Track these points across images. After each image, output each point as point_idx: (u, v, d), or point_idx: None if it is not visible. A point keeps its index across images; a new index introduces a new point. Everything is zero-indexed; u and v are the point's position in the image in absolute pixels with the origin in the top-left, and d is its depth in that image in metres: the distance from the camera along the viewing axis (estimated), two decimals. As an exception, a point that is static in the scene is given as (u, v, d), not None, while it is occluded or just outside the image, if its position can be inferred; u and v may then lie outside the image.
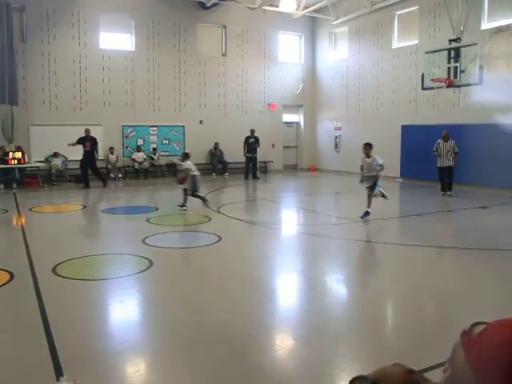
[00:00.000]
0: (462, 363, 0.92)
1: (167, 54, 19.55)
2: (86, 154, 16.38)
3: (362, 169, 10.60)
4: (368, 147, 10.45)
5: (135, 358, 4.35)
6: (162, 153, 19.78)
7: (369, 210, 10.29)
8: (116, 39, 19.10)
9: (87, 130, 16.42)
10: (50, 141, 17.47)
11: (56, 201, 14.77)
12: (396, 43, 18.29)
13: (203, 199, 11.89)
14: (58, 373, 3.81)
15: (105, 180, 16.82)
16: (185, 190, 11.68)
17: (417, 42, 17.08)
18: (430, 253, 8.01)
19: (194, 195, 11.71)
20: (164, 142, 19.99)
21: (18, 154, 16.38)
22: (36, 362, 4.06)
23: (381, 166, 10.22)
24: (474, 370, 0.89)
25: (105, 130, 18.60)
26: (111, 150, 18.56)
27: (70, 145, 16.43)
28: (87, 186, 16.17)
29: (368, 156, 10.36)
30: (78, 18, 18.16)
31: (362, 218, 10.21)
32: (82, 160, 16.49)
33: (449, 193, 13.49)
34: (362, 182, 10.67)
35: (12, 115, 17.10)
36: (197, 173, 11.77)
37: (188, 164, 11.76)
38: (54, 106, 17.94)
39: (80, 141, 16.25)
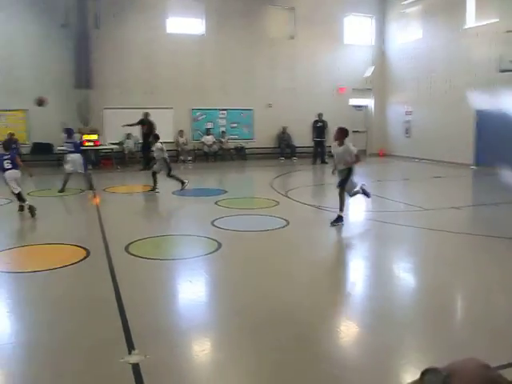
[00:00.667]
0: None
1: (236, 37, 19.60)
2: (143, 136, 16.82)
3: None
4: (340, 133, 8.48)
5: (202, 337, 4.48)
6: (231, 136, 19.98)
7: (341, 214, 8.37)
8: (186, 23, 19.37)
9: (145, 114, 16.77)
10: (123, 123, 18.05)
11: (129, 182, 15.28)
12: (472, 22, 17.41)
13: (182, 181, 11.97)
14: (130, 347, 3.98)
15: (147, 165, 16.69)
16: (154, 174, 11.94)
17: (497, 20, 16.16)
18: (507, 245, 7.67)
19: (170, 176, 11.93)
20: (232, 125, 20.17)
21: (94, 137, 17.07)
22: (109, 336, 4.26)
23: (356, 156, 8.35)
24: None
25: (175, 113, 19.01)
26: (181, 132, 18.95)
27: (124, 126, 16.89)
28: (144, 168, 16.24)
29: (340, 144, 8.41)
30: (147, 3, 18.56)
31: (332, 224, 8.30)
32: (142, 143, 17.04)
33: None
34: (333, 173, 8.85)
35: (87, 99, 17.81)
36: (167, 155, 12.02)
37: (159, 146, 11.88)
38: (126, 90, 18.47)
39: (140, 123, 16.72)
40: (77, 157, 11.88)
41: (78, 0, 17.37)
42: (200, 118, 19.72)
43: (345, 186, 8.41)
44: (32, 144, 17.95)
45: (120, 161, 17.62)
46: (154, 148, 12.07)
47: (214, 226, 8.34)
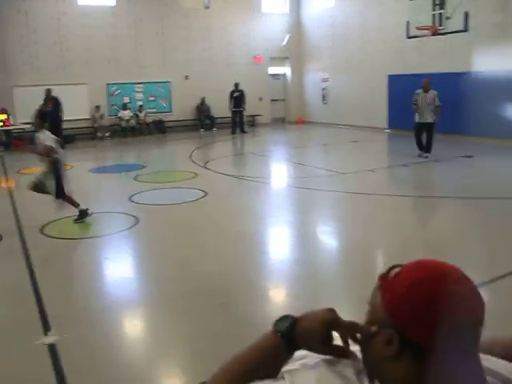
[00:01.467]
0: (379, 306, 0.97)
1: (149, 7, 19.06)
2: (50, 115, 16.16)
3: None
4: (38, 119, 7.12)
5: (124, 314, 4.47)
6: (149, 110, 19.56)
7: (80, 207, 7.08)
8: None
9: (47, 90, 16.04)
10: (36, 102, 17.20)
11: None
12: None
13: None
14: (47, 328, 3.92)
15: None
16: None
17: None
18: (418, 203, 8.12)
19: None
20: (150, 98, 19.75)
21: (3, 116, 16.22)
22: (24, 320, 4.17)
23: (50, 147, 6.71)
24: (389, 314, 0.94)
25: (89, 89, 18.33)
26: (97, 108, 18.35)
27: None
28: None
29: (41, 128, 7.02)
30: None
31: (76, 221, 7.06)
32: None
33: (426, 154, 11.65)
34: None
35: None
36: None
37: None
38: (36, 67, 17.60)
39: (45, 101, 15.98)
40: None
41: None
42: (116, 92, 19.15)
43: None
44: None
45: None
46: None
47: (132, 201, 8.25)
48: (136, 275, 5.37)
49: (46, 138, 6.88)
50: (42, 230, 6.69)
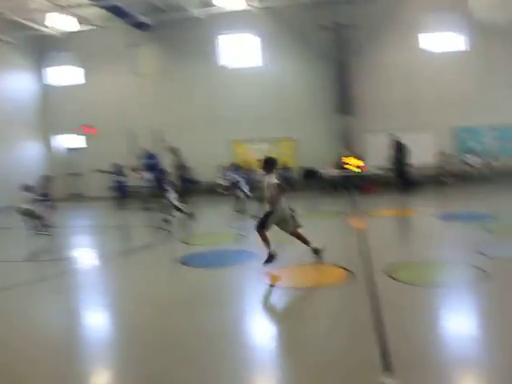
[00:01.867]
0: None
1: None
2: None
3: None
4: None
5: (466, 374, 4.18)
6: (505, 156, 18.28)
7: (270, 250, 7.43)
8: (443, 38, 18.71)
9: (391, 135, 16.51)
10: (383, 146, 18.17)
11: (390, 205, 15.23)
12: None
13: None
14: (387, 371, 3.94)
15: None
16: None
17: None
18: None
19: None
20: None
21: (359, 162, 17.66)
22: (367, 358, 4.29)
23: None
24: None
25: (435, 134, 18.45)
26: (444, 153, 18.23)
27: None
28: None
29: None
30: (402, 24, 18.51)
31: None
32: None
33: None
34: None
35: (350, 125, 18.53)
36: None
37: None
38: (386, 114, 18.61)
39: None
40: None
41: (337, 32, 18.32)
42: (464, 136, 18.65)
43: None
44: (301, 169, 19.41)
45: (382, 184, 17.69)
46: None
47: (480, 253, 7.72)
48: (483, 336, 4.96)
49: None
50: (388, 272, 6.86)
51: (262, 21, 19.70)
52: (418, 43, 18.79)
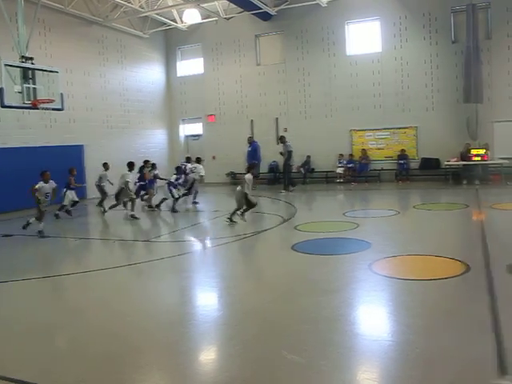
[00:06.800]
0: None
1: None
2: None
3: None
4: None
5: None
6: None
7: None
8: None
9: None
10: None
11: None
12: None
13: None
14: (503, 371, 3.80)
15: None
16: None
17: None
18: None
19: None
20: None
21: (481, 151, 16.68)
22: (479, 356, 4.14)
23: None
24: None
25: None
26: None
27: None
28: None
29: None
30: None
31: None
32: None
33: None
34: None
35: (476, 113, 17.47)
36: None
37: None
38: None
39: None
40: None
41: (468, 14, 17.27)
42: None
43: None
44: (420, 159, 18.74)
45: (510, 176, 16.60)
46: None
47: None
48: None
49: None
50: (508, 268, 6.50)
51: (385, 5, 19.14)
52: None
